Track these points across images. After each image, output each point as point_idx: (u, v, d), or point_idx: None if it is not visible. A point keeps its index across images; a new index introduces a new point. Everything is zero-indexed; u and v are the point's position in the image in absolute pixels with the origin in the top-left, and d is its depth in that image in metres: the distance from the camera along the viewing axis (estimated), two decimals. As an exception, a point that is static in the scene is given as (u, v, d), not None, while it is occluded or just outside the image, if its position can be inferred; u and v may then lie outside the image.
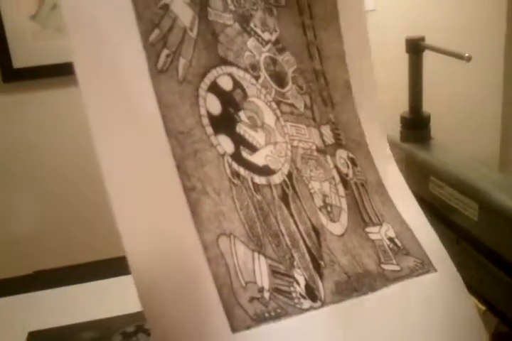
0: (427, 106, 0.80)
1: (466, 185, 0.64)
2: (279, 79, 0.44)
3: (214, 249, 0.34)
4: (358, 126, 0.51)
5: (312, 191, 0.44)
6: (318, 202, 0.44)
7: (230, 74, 0.40)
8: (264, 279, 0.36)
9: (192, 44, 0.39)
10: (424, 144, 0.76)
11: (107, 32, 0.35)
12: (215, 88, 0.39)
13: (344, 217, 0.46)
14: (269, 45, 0.45)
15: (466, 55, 0.66)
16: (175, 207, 0.34)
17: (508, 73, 1.27)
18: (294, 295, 0.38)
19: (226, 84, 0.40)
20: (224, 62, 0.41)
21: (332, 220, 0.45)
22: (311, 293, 0.39)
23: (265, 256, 0.37)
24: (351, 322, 0.41)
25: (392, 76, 1.03)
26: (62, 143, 1.14)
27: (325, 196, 0.45)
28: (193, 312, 0.32)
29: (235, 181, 0.38)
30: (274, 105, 0.43)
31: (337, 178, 0.47)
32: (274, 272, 0.37)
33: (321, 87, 0.48)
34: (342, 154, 0.49)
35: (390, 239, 0.49)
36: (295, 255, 0.39)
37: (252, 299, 0.35)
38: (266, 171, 0.40)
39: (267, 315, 0.36)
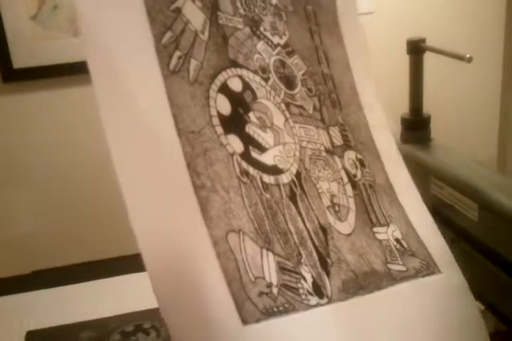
0: (428, 108, 0.82)
1: (466, 186, 0.65)
2: (289, 82, 0.46)
3: (223, 245, 0.35)
4: (366, 128, 0.52)
5: (320, 191, 0.45)
6: (326, 202, 0.45)
7: (240, 76, 0.42)
8: (272, 275, 0.37)
9: (203, 46, 0.40)
10: (424, 145, 0.77)
11: (120, 34, 0.37)
12: (225, 89, 0.40)
13: (352, 217, 0.47)
14: (278, 49, 0.46)
15: (467, 56, 0.67)
16: (185, 204, 0.35)
17: (507, 75, 1.28)
18: (301, 291, 0.39)
19: (236, 85, 0.41)
20: (234, 64, 0.42)
21: (340, 219, 0.46)
22: (318, 290, 0.40)
23: (273, 253, 0.38)
24: (357, 320, 0.41)
25: (392, 77, 1.04)
26: (61, 143, 1.14)
27: (333, 196, 0.46)
28: (204, 305, 0.34)
29: (244, 179, 0.39)
30: (283, 106, 0.44)
31: (345, 179, 0.48)
32: (282, 268, 0.38)
33: (329, 90, 0.50)
34: (350, 155, 0.50)
35: (397, 240, 0.50)
36: (303, 253, 0.41)
37: (261, 294, 0.36)
38: (274, 170, 0.42)
39: (275, 309, 0.37)
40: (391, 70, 1.09)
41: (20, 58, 1.11)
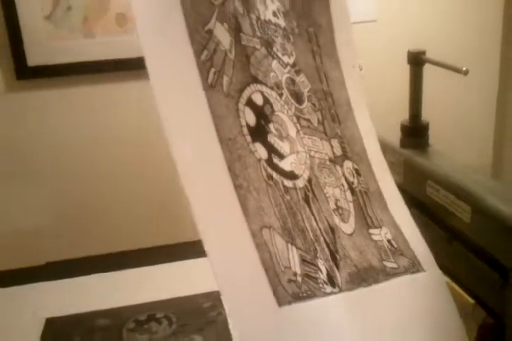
0: (426, 115, 0.87)
1: (460, 189, 0.71)
2: (298, 97, 0.51)
3: (259, 238, 0.41)
4: (360, 141, 0.58)
5: (327, 195, 0.51)
6: (332, 205, 0.51)
7: (261, 92, 0.47)
8: (296, 266, 0.44)
9: (231, 64, 0.46)
10: (422, 150, 0.83)
11: (166, 49, 0.42)
12: (250, 103, 0.46)
13: (352, 219, 0.54)
14: (288, 67, 0.52)
15: (464, 69, 0.72)
16: (228, 201, 0.41)
17: (502, 86, 1.34)
18: (319, 280, 0.45)
19: (258, 99, 0.47)
20: (256, 80, 0.47)
21: (343, 221, 0.52)
22: (331, 280, 0.47)
23: (296, 247, 0.44)
24: (360, 307, 0.48)
25: (393, 85, 1.09)
26: (71, 139, 1.19)
27: (337, 200, 0.52)
28: (249, 287, 0.39)
29: (270, 182, 0.45)
30: (294, 119, 0.50)
31: (345, 185, 0.54)
32: (303, 260, 0.44)
33: (329, 105, 0.56)
34: (348, 165, 0.56)
35: (388, 241, 0.57)
36: (317, 248, 0.46)
37: (289, 281, 0.43)
38: (292, 176, 0.47)
39: (300, 295, 0.43)
40: (392, 78, 1.14)
41: (34, 56, 1.15)
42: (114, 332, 0.84)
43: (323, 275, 0.46)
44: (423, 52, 0.81)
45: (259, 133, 0.46)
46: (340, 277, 0.48)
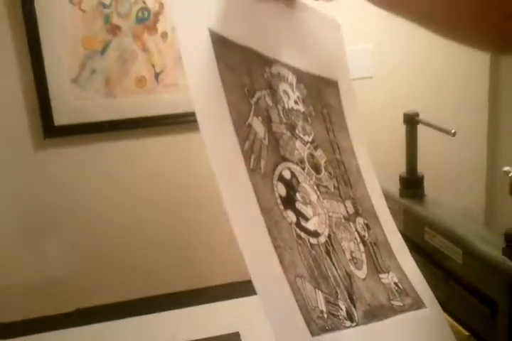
0: (422, 168, 0.98)
1: (453, 234, 0.82)
2: (316, 168, 0.63)
3: (294, 285, 0.52)
4: (369, 201, 0.70)
5: (344, 248, 0.62)
6: (348, 256, 0.62)
7: (288, 168, 0.59)
8: (322, 305, 0.54)
9: (266, 149, 0.57)
10: (418, 200, 0.95)
11: (221, 143, 0.52)
12: (281, 178, 0.57)
13: (364, 267, 0.65)
14: (308, 145, 0.63)
15: (452, 131, 0.85)
16: (271, 258, 0.51)
17: (491, 142, 1.46)
18: (340, 317, 0.56)
19: (287, 175, 0.58)
20: (284, 159, 0.59)
21: (358, 269, 0.63)
22: (350, 317, 0.57)
23: (321, 291, 0.55)
24: (373, 338, 0.59)
25: (391, 142, 1.20)
26: (96, 193, 1.29)
27: (352, 252, 0.63)
28: (290, 321, 0.50)
29: (299, 241, 0.55)
30: (315, 187, 0.61)
31: (358, 239, 0.65)
32: (327, 302, 0.55)
33: (342, 172, 0.68)
34: (360, 220, 0.67)
35: (395, 283, 0.68)
36: (338, 291, 0.57)
37: (318, 317, 0.53)
38: (315, 234, 0.58)
39: (327, 328, 0.54)
40: (389, 136, 1.26)
41: (61, 116, 1.26)
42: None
43: (343, 313, 0.57)
44: (417, 114, 0.94)
45: (289, 201, 0.57)
46: (356, 314, 0.58)
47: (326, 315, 0.54)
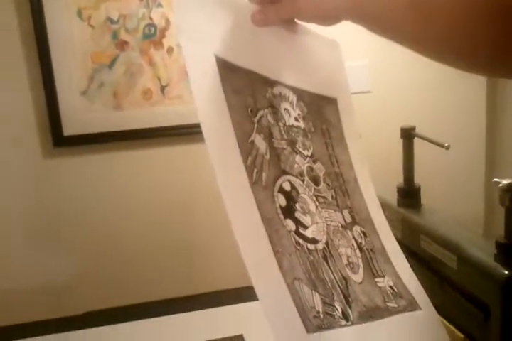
0: (419, 178, 1.03)
1: (447, 242, 0.87)
2: (315, 180, 0.68)
3: (292, 287, 0.56)
4: (366, 209, 0.75)
5: (341, 254, 0.67)
6: (345, 261, 0.67)
7: (289, 180, 0.63)
8: (319, 306, 0.59)
9: (267, 163, 0.61)
10: (415, 209, 1.00)
11: (226, 158, 0.57)
12: (281, 190, 0.61)
13: (361, 271, 0.69)
14: (308, 159, 0.68)
15: (446, 144, 0.90)
16: (271, 262, 0.56)
17: (490, 153, 1.51)
18: (336, 317, 0.60)
19: (287, 186, 0.62)
20: (284, 172, 0.63)
21: (354, 273, 0.68)
22: (345, 317, 0.62)
23: (318, 293, 0.59)
24: (367, 336, 0.64)
25: (389, 154, 1.24)
26: (102, 200, 1.34)
27: (348, 257, 0.68)
28: (288, 320, 0.55)
29: (298, 247, 0.60)
30: (314, 198, 0.66)
31: (355, 245, 0.70)
32: (324, 302, 0.60)
33: (340, 184, 0.72)
34: (357, 229, 0.72)
35: (390, 287, 0.73)
36: (334, 293, 0.62)
37: (314, 317, 0.58)
38: (313, 241, 0.63)
39: (323, 326, 0.58)
40: (387, 148, 1.28)
41: (70, 127, 1.31)
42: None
43: (339, 313, 0.61)
44: (413, 128, 0.99)
45: (289, 211, 0.61)
46: (352, 314, 0.63)
47: (322, 315, 0.59)
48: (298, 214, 0.63)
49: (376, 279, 0.71)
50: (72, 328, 1.15)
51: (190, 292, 1.34)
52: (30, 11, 1.23)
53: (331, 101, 0.76)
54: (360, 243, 0.72)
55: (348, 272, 0.67)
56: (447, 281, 0.88)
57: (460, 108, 1.50)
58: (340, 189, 0.73)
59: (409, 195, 1.01)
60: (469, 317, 0.84)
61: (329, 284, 0.62)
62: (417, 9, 0.58)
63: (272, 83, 0.66)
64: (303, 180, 0.66)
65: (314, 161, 0.69)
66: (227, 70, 0.60)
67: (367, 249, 0.72)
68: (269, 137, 0.63)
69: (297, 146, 0.67)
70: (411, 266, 0.77)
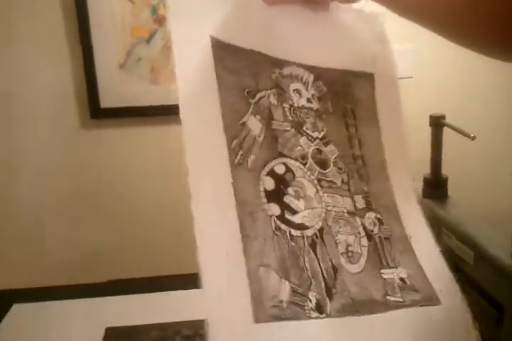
0: (446, 170, 1.00)
1: (466, 237, 0.85)
2: (322, 164, 0.64)
3: (253, 273, 0.53)
4: (390, 196, 0.69)
5: (337, 241, 0.62)
6: (342, 249, 0.62)
7: (284, 163, 0.60)
8: (284, 295, 0.54)
9: (259, 145, 0.58)
10: (441, 201, 0.96)
11: (205, 139, 0.55)
12: (271, 173, 0.59)
13: (362, 261, 0.64)
14: (316, 141, 0.64)
15: (472, 135, 0.87)
16: (229, 246, 0.53)
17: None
18: (306, 308, 0.56)
19: (280, 169, 0.59)
20: (281, 155, 0.60)
21: (351, 263, 0.63)
22: (320, 308, 0.57)
23: (289, 281, 0.55)
24: (344, 332, 0.58)
25: (417, 141, 1.21)
26: (135, 172, 1.37)
27: (348, 245, 0.63)
28: (231, 306, 0.51)
29: (277, 233, 0.57)
30: (315, 182, 0.62)
31: (361, 233, 0.65)
32: (294, 292, 0.55)
33: (358, 167, 0.68)
34: (371, 215, 0.67)
35: (401, 279, 0.66)
36: (313, 283, 0.58)
37: (274, 306, 0.53)
38: (301, 227, 0.59)
39: (283, 316, 0.53)
40: (416, 136, 1.27)
41: (107, 99, 1.33)
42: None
43: (311, 304, 0.56)
44: (443, 117, 0.96)
45: (275, 195, 0.58)
46: (330, 306, 0.58)
47: (285, 304, 0.55)
48: (288, 199, 0.59)
49: (382, 270, 0.65)
50: (96, 295, 1.19)
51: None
52: (72, -15, 1.25)
53: (365, 77, 0.71)
54: (371, 230, 0.67)
55: (343, 261, 0.62)
56: (464, 277, 0.86)
57: (491, 98, 1.43)
58: (358, 173, 0.68)
59: (435, 185, 0.98)
60: (483, 315, 0.82)
61: (309, 273, 0.58)
62: None
63: (281, 63, 0.64)
64: (305, 163, 0.62)
65: (326, 144, 0.66)
66: (226, 51, 0.59)
67: (380, 237, 0.67)
68: (267, 118, 0.61)
69: (304, 128, 0.64)
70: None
